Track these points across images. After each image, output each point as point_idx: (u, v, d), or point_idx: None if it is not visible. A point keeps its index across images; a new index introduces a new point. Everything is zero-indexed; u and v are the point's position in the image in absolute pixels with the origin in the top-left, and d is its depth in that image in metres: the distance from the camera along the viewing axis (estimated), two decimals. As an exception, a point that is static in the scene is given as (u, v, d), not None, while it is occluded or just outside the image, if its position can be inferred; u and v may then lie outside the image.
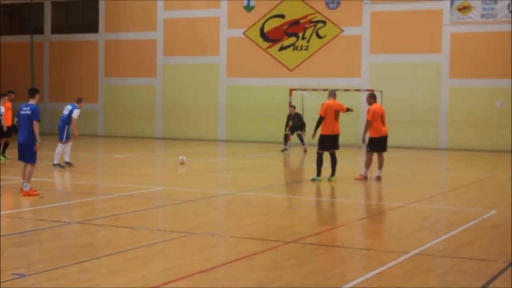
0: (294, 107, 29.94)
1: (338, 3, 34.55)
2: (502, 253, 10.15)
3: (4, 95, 23.11)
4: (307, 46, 35.16)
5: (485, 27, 32.12)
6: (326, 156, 18.87)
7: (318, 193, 17.15)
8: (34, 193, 15.02)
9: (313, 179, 18.74)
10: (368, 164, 19.29)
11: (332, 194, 17.20)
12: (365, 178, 19.17)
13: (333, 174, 18.86)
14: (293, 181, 20.57)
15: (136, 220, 12.64)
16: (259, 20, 35.98)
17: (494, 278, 8.76)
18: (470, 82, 32.41)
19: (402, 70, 33.29)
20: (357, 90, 33.15)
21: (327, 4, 34.75)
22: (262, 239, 11.02)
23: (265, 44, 35.90)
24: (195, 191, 16.79)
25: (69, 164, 21.29)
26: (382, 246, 10.75)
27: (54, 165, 21.01)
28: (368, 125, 19.19)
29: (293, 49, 35.42)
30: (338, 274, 8.91)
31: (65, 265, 8.96)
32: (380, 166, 19.34)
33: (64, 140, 21.29)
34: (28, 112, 15.02)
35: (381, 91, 32.47)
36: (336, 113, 18.65)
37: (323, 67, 34.70)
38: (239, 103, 36.32)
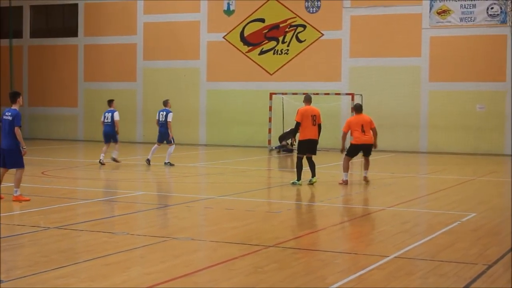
0: None
1: (318, 7, 34.63)
2: (482, 256, 10.20)
3: None
4: (287, 50, 35.21)
5: (465, 30, 32.30)
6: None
7: (299, 197, 17.16)
8: (24, 198, 15.01)
9: (293, 183, 18.79)
10: (345, 168, 19.37)
11: (313, 198, 17.21)
12: (345, 182, 19.21)
13: (313, 175, 19.00)
14: (273, 185, 20.57)
15: (116, 225, 12.61)
16: (239, 24, 36.00)
17: (473, 280, 8.81)
18: (450, 86, 32.56)
19: (382, 74, 33.40)
20: (337, 94, 33.23)
21: (307, 8, 34.83)
22: (242, 244, 11.02)
23: (245, 48, 35.91)
24: (176, 196, 16.76)
25: (148, 161, 23.84)
26: (362, 250, 10.78)
27: (165, 163, 23.65)
28: (343, 136, 19.51)
29: (273, 53, 35.46)
30: (318, 277, 8.92)
31: (43, 271, 8.92)
32: (366, 167, 19.58)
33: (172, 142, 23.96)
34: (10, 118, 14.94)
35: (361, 95, 32.56)
36: (313, 118, 18.76)
37: (303, 71, 34.76)
38: (219, 107, 36.31)
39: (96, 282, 8.50)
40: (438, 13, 32.60)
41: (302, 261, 9.95)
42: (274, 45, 35.47)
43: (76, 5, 39.43)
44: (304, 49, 34.91)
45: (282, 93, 33.74)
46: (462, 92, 32.31)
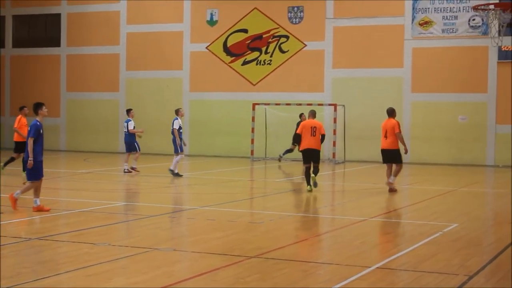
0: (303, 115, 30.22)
1: (301, 18, 34.74)
2: (463, 267, 10.25)
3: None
4: (270, 60, 35.28)
5: (447, 42, 32.49)
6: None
7: (281, 208, 17.17)
8: (14, 206, 15.14)
9: (308, 190, 19.70)
10: (386, 174, 20.42)
11: (295, 209, 17.22)
12: (388, 183, 20.22)
13: (315, 174, 19.89)
14: (256, 196, 20.56)
15: (98, 235, 12.56)
16: (222, 35, 36.04)
17: (455, 291, 8.86)
18: (432, 97, 32.72)
19: (364, 85, 33.52)
20: (320, 104, 33.29)
21: (290, 19, 34.93)
22: (224, 254, 11.00)
23: (228, 59, 35.96)
24: (158, 206, 16.72)
25: (172, 171, 23.77)
26: (344, 260, 10.78)
27: (170, 170, 23.85)
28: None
29: (256, 64, 35.52)
30: (300, 288, 8.93)
31: (25, 282, 8.87)
32: (394, 174, 20.28)
33: (178, 151, 23.78)
34: (29, 129, 15.24)
35: (343, 106, 32.68)
36: (313, 129, 19.72)
37: (286, 81, 34.83)
38: (202, 117, 36.30)
39: (78, 293, 8.48)
40: (420, 25, 32.79)
41: (284, 272, 9.94)
42: (257, 56, 35.53)
43: (59, 15, 39.35)
44: (287, 59, 34.99)
45: (265, 104, 33.78)
46: (444, 103, 32.47)
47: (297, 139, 20.30)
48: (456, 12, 32.30)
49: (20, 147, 23.26)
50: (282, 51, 35.10)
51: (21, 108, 24.21)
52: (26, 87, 39.92)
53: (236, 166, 29.59)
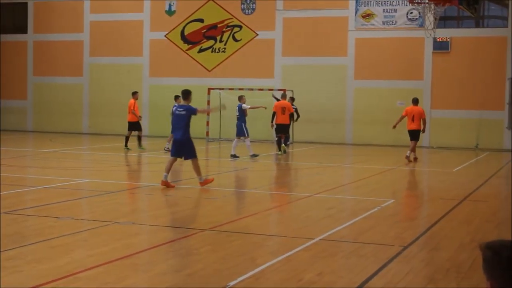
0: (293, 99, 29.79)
1: (253, 9, 34.65)
2: (398, 238, 10.38)
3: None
4: (224, 48, 35.16)
5: (386, 33, 32.69)
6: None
7: (234, 185, 17.20)
8: (210, 181, 15.89)
9: (278, 154, 24.22)
10: (410, 148, 23.66)
11: (246, 185, 17.27)
12: (406, 157, 23.59)
13: (285, 143, 24.64)
14: (211, 174, 20.54)
15: (62, 210, 12.45)
16: (180, 24, 35.80)
17: (390, 260, 8.95)
18: (373, 83, 32.95)
19: (311, 72, 33.61)
20: (270, 89, 33.29)
21: (243, 10, 34.81)
22: (180, 227, 11.00)
23: (186, 46, 35.74)
24: (119, 183, 16.60)
25: (234, 156, 23.28)
26: (290, 233, 10.85)
27: (231, 155, 23.40)
28: (400, 117, 24.31)
29: (212, 51, 35.37)
30: (249, 259, 8.95)
31: (-9, 253, 8.75)
32: (411, 149, 23.57)
33: (240, 136, 23.51)
34: (183, 113, 15.74)
35: (292, 91, 32.75)
36: (283, 109, 24.36)
37: (239, 68, 34.77)
38: (161, 101, 36.06)
39: (42, 263, 8.39)
40: (363, 17, 32.93)
41: (235, 243, 9.97)
42: (212, 44, 35.38)
43: (25, 3, 38.70)
44: (240, 48, 34.91)
45: (219, 89, 33.67)
46: (384, 89, 32.72)
47: (272, 115, 24.66)
48: (395, 5, 32.50)
49: (133, 126, 26.51)
50: (236, 40, 35.00)
51: (134, 93, 26.90)
52: (-5, 71, 39.27)
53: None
